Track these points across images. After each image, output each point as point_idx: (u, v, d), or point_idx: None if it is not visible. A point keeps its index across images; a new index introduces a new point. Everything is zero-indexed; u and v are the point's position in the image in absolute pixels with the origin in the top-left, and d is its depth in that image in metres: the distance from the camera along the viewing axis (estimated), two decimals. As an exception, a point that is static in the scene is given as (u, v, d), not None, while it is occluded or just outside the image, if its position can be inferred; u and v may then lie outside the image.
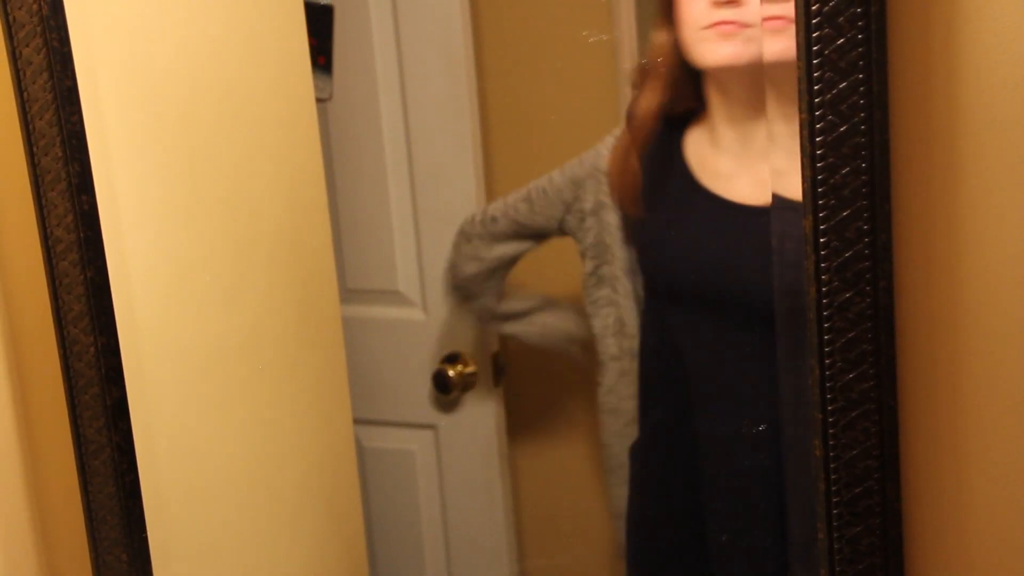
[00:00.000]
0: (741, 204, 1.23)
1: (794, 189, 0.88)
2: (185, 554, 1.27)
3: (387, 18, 1.62)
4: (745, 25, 1.17)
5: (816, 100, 0.85)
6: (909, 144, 0.87)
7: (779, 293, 1.05)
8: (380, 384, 1.75)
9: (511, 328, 1.58)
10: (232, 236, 1.28)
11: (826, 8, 0.83)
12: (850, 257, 0.87)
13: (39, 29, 1.08)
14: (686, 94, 1.27)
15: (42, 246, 1.15)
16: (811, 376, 0.90)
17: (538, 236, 1.47)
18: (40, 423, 1.27)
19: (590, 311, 1.42)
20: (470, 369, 1.68)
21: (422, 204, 1.65)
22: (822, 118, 0.85)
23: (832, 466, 0.90)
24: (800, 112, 0.86)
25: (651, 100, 1.30)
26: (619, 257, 1.39)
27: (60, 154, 1.10)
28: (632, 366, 1.41)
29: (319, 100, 1.52)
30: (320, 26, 1.63)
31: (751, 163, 1.23)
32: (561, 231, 1.44)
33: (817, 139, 0.85)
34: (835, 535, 0.92)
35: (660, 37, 1.27)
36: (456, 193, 1.61)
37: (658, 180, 1.33)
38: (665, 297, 1.35)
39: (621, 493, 1.45)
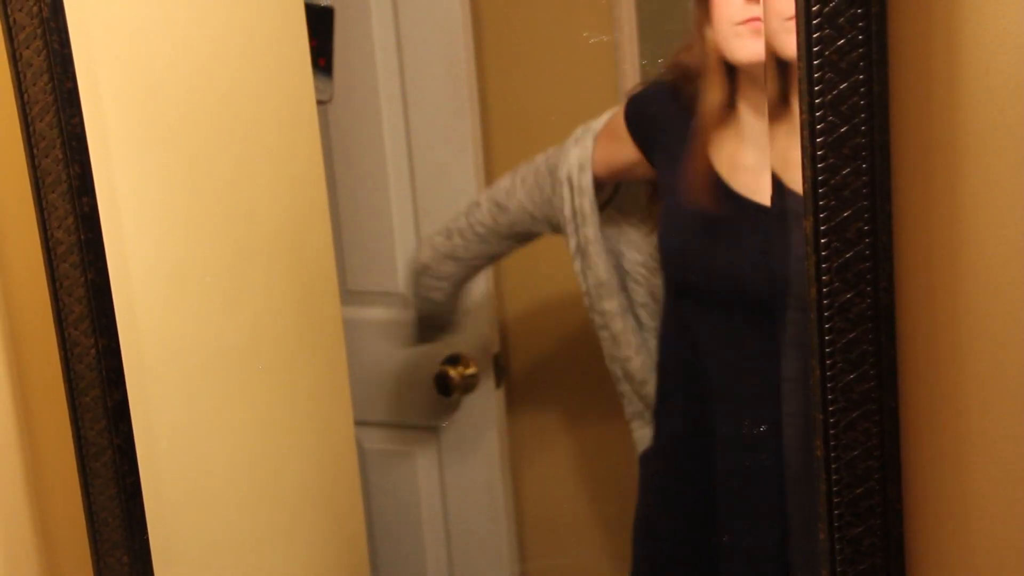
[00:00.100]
0: (764, 205, 1.23)
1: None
2: (186, 555, 1.27)
3: (388, 19, 1.62)
4: None
5: (816, 101, 0.85)
6: (910, 145, 0.87)
7: (793, 289, 1.05)
8: (381, 386, 1.75)
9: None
10: (233, 237, 1.28)
11: (826, 9, 0.83)
12: (851, 258, 0.87)
13: (39, 31, 1.08)
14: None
15: (43, 248, 1.15)
16: (812, 377, 0.90)
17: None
18: (41, 425, 1.27)
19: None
20: (471, 371, 1.68)
21: (423, 205, 1.65)
22: (823, 119, 0.85)
23: (833, 466, 0.90)
24: (800, 113, 0.86)
25: (717, 95, 1.30)
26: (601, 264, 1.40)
27: (60, 156, 1.10)
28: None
29: (319, 102, 1.52)
30: (320, 28, 1.63)
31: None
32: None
33: (818, 140, 0.85)
34: (836, 535, 0.92)
35: (702, 32, 1.27)
36: (457, 194, 1.60)
37: (681, 179, 1.33)
38: (686, 298, 1.35)
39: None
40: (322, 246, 1.44)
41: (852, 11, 0.83)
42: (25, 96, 1.11)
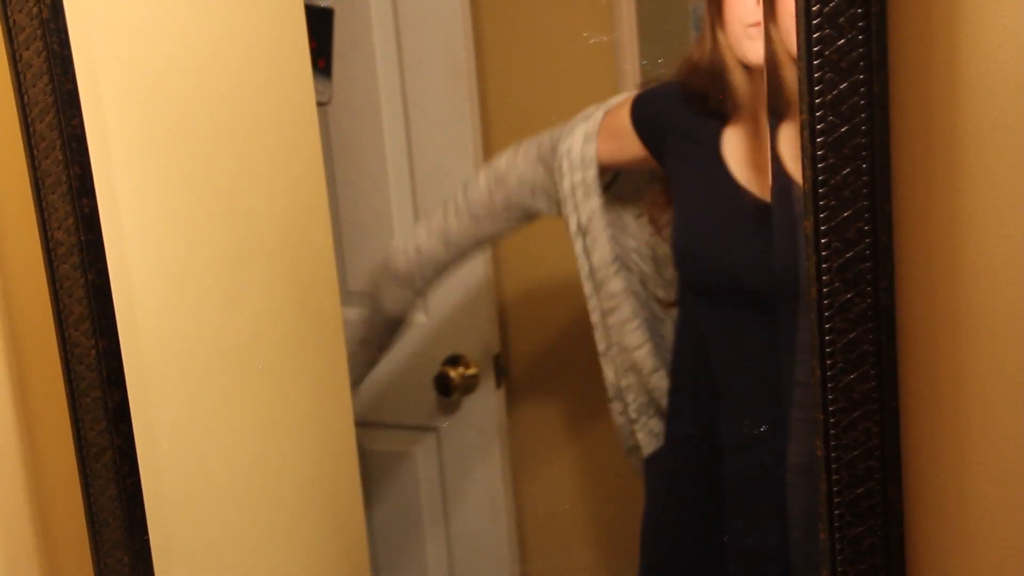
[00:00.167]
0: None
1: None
2: (187, 556, 1.27)
3: (388, 20, 1.62)
4: None
5: (817, 101, 0.85)
6: (910, 145, 0.87)
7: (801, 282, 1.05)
8: (381, 386, 1.75)
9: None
10: (233, 238, 1.28)
11: (826, 9, 0.83)
12: (851, 258, 0.87)
13: (39, 32, 1.08)
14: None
15: (43, 249, 1.15)
16: (812, 377, 0.90)
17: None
18: (41, 426, 1.27)
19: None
20: (471, 371, 1.68)
21: (423, 207, 1.65)
22: (823, 119, 0.85)
23: (834, 467, 0.90)
24: (800, 113, 0.86)
25: (731, 95, 1.30)
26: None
27: (61, 157, 1.10)
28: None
29: (319, 103, 1.52)
30: (320, 29, 1.63)
31: None
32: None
33: (818, 140, 0.85)
34: (837, 535, 0.92)
35: (714, 33, 1.27)
36: (457, 195, 1.60)
37: (694, 178, 1.33)
38: (702, 298, 1.35)
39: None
40: (322, 247, 1.44)
41: (852, 11, 0.83)
42: (25, 97, 1.11)
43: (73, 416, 1.18)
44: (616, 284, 1.39)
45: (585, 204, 1.39)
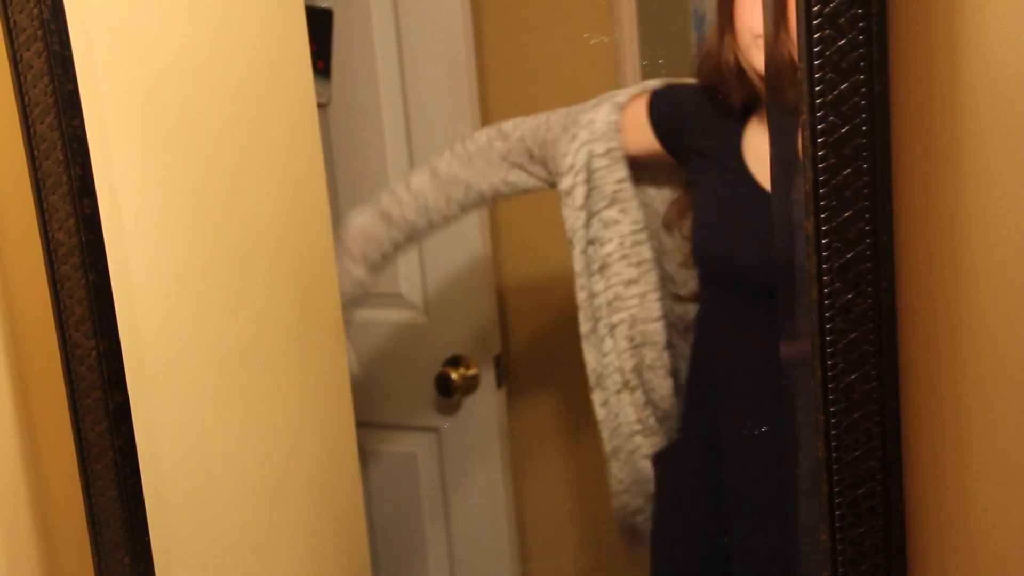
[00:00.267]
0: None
1: None
2: (188, 557, 1.27)
3: (388, 21, 1.62)
4: None
5: (817, 101, 0.85)
6: (911, 145, 0.87)
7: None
8: (382, 387, 1.75)
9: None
10: (234, 240, 1.28)
11: (827, 9, 0.83)
12: (852, 258, 0.87)
13: (40, 33, 1.08)
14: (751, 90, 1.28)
15: (43, 250, 1.15)
16: (813, 377, 0.90)
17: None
18: (42, 427, 1.27)
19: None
20: (472, 372, 1.68)
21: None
22: (823, 119, 0.85)
23: (834, 467, 0.90)
24: (801, 113, 0.86)
25: (743, 97, 1.30)
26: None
27: (61, 158, 1.10)
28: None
29: (317, 105, 1.52)
30: (319, 30, 1.63)
31: None
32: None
33: (818, 140, 0.85)
34: (837, 536, 0.91)
35: (724, 39, 1.27)
36: (457, 196, 1.60)
37: (714, 177, 1.33)
38: (722, 295, 1.35)
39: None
40: (323, 248, 1.44)
41: (853, 11, 0.83)
42: (26, 98, 1.11)
43: (74, 417, 1.18)
44: (646, 251, 1.38)
45: (610, 174, 1.37)
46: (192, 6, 1.22)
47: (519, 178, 1.45)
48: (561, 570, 1.71)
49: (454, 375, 1.68)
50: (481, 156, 1.47)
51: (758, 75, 1.24)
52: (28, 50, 1.09)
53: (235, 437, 1.31)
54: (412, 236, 1.54)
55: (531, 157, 1.43)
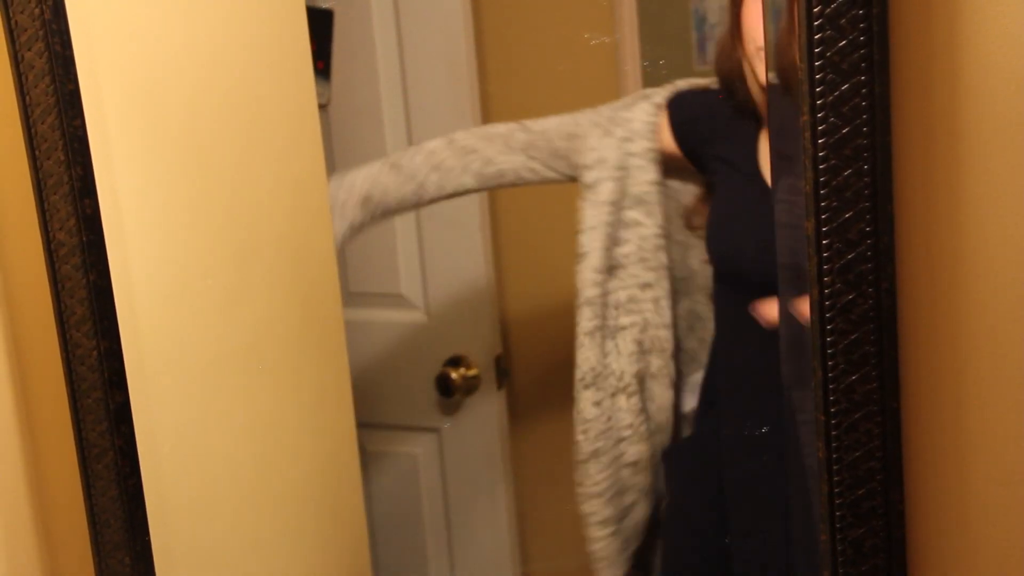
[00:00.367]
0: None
1: None
2: (188, 557, 1.27)
3: (389, 21, 1.62)
4: None
5: (818, 102, 0.85)
6: (911, 146, 0.87)
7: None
8: (383, 387, 1.75)
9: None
10: (234, 240, 1.28)
11: (828, 10, 0.83)
12: (852, 259, 0.87)
13: (41, 33, 1.08)
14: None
15: (44, 250, 1.15)
16: (814, 378, 0.90)
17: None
18: (42, 427, 1.27)
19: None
20: (473, 372, 1.68)
21: (424, 208, 1.65)
22: (824, 120, 0.85)
23: (835, 468, 0.90)
24: (802, 114, 0.86)
25: (753, 103, 1.30)
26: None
27: (62, 158, 1.11)
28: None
29: (318, 106, 1.52)
30: (319, 30, 1.63)
31: None
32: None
33: (819, 141, 0.85)
34: (838, 537, 0.91)
35: (734, 48, 1.27)
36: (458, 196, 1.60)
37: (730, 181, 1.33)
38: (738, 297, 1.34)
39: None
40: (324, 248, 1.44)
41: (854, 12, 0.83)
42: (27, 98, 1.11)
43: (74, 417, 1.18)
44: (663, 256, 1.38)
45: (642, 174, 1.36)
46: (193, 6, 1.22)
47: (539, 167, 1.44)
48: (561, 570, 1.71)
49: (455, 375, 1.68)
50: (501, 139, 1.45)
51: (760, 85, 1.24)
52: (29, 50, 1.09)
53: (236, 437, 1.31)
54: (418, 195, 1.49)
55: (554, 150, 1.42)
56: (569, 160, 1.41)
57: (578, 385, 1.41)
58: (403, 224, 1.67)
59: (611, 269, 1.38)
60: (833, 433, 0.90)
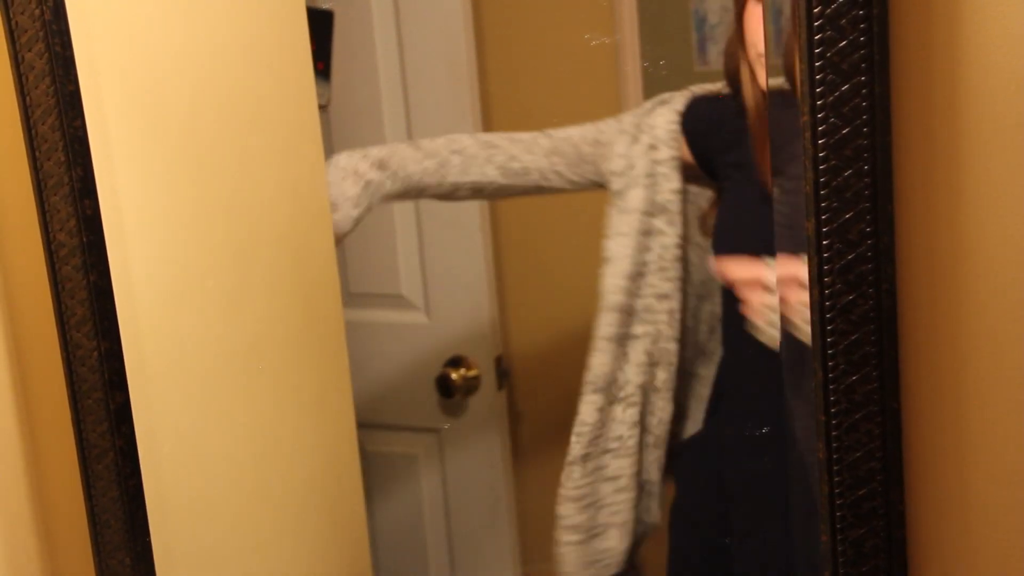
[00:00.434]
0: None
1: None
2: (188, 558, 1.27)
3: (389, 22, 1.62)
4: None
5: (818, 103, 0.85)
6: (912, 146, 0.87)
7: None
8: (383, 388, 1.75)
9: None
10: (235, 240, 1.28)
11: (828, 10, 0.83)
12: (853, 259, 0.87)
13: (41, 34, 1.08)
14: None
15: (44, 251, 1.15)
16: (814, 379, 0.90)
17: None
18: (43, 427, 1.27)
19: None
20: (473, 373, 1.68)
21: (425, 208, 1.65)
22: (824, 120, 0.85)
23: (835, 468, 0.90)
24: (802, 115, 0.86)
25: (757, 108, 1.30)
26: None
27: (63, 159, 1.11)
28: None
29: (318, 106, 1.52)
30: (319, 31, 1.63)
31: None
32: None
33: (819, 141, 0.85)
34: (838, 537, 0.91)
35: (737, 54, 1.27)
36: (459, 197, 1.60)
37: (738, 187, 1.33)
38: (730, 296, 1.34)
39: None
40: (324, 249, 1.44)
41: (854, 13, 0.83)
42: (27, 99, 1.11)
43: (75, 418, 1.18)
44: (680, 268, 1.37)
45: (667, 183, 1.36)
46: (193, 7, 1.22)
47: (564, 171, 1.43)
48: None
49: (455, 376, 1.68)
50: (524, 144, 1.44)
51: (761, 91, 1.24)
52: (30, 51, 1.09)
53: (236, 438, 1.31)
54: (441, 174, 1.45)
55: (580, 155, 1.42)
56: (596, 166, 1.41)
57: (587, 388, 1.40)
58: (403, 224, 1.67)
59: (636, 276, 1.38)
60: (833, 434, 0.90)
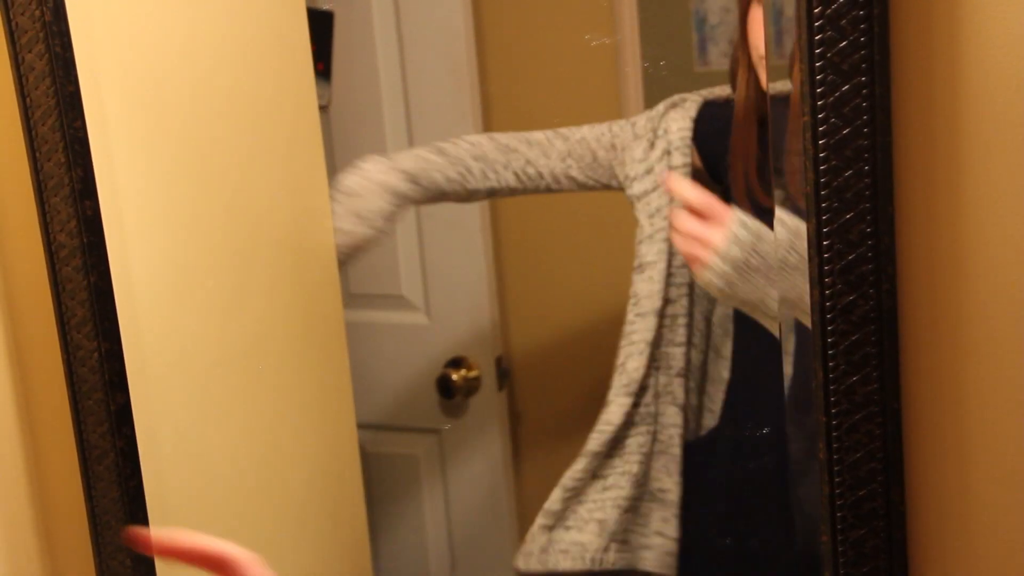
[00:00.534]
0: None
1: None
2: (189, 559, 1.27)
3: (389, 23, 1.62)
4: None
5: (819, 103, 0.85)
6: (912, 146, 0.87)
7: None
8: (384, 389, 1.75)
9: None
10: (235, 241, 1.28)
11: (828, 11, 0.83)
12: (853, 260, 0.87)
13: (42, 35, 1.08)
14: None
15: (45, 252, 1.15)
16: (814, 379, 0.90)
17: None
18: (43, 428, 1.27)
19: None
20: (474, 373, 1.68)
21: (425, 208, 1.65)
22: (825, 121, 0.85)
23: (836, 469, 0.90)
24: (803, 115, 0.86)
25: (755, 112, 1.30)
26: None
27: (63, 159, 1.11)
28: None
29: (319, 107, 1.52)
30: (319, 32, 1.63)
31: None
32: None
33: (820, 142, 0.85)
34: (839, 538, 0.91)
35: (740, 57, 1.27)
36: (459, 197, 1.60)
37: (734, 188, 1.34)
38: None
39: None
40: (324, 250, 1.44)
41: (854, 13, 0.83)
42: (27, 100, 1.11)
43: (75, 419, 1.18)
44: (688, 274, 1.37)
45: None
46: (193, 8, 1.22)
47: (577, 175, 1.43)
48: (562, 572, 1.70)
49: (455, 377, 1.68)
50: (539, 146, 1.45)
51: (752, 96, 1.24)
52: (30, 52, 1.09)
53: (236, 439, 1.31)
54: (463, 181, 1.46)
55: (595, 159, 1.42)
56: (610, 170, 1.41)
57: (621, 391, 1.40)
58: (403, 225, 1.67)
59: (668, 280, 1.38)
60: (834, 434, 0.90)
